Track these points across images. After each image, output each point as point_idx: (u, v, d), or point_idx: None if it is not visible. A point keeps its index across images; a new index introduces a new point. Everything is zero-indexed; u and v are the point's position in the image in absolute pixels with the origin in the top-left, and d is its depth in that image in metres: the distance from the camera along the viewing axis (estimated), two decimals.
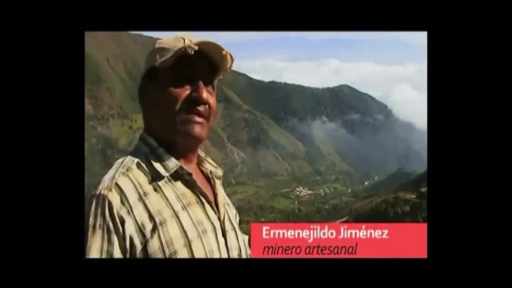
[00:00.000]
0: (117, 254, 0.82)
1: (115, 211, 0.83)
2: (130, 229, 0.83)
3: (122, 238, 0.83)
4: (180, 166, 0.93)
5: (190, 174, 0.94)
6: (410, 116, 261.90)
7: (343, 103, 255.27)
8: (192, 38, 0.95)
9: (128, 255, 0.84)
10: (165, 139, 0.95)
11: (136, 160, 0.92)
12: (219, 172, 1.07)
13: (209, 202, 0.97)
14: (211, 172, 1.05)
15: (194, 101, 0.93)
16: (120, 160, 0.93)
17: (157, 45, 0.97)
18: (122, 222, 0.83)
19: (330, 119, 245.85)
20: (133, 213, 0.85)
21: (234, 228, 1.03)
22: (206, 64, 0.96)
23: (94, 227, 0.82)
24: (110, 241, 0.82)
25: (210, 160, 1.08)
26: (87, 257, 0.81)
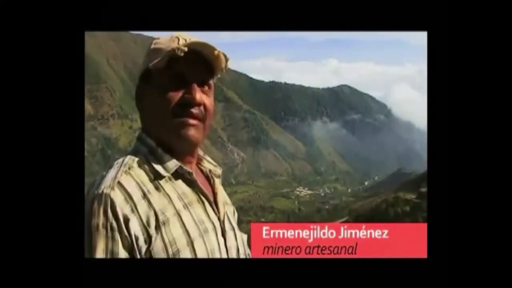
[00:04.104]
0: (122, 253, 0.82)
1: (118, 210, 0.82)
2: (135, 227, 0.83)
3: (126, 237, 0.82)
4: (180, 166, 0.93)
5: (190, 174, 0.94)
6: (410, 116, 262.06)
7: (343, 103, 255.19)
8: (187, 37, 0.94)
9: (134, 255, 0.83)
10: (163, 141, 0.94)
11: (136, 159, 0.91)
12: (218, 171, 1.06)
13: (209, 202, 0.97)
14: (210, 170, 1.05)
15: (187, 103, 0.92)
16: (120, 160, 0.92)
17: (152, 46, 0.96)
18: (126, 220, 0.82)
19: (331, 119, 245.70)
20: (137, 210, 0.84)
21: (233, 228, 1.03)
22: (201, 64, 0.94)
23: (97, 227, 0.81)
24: (114, 240, 0.81)
25: (209, 159, 1.07)
26: (93, 257, 0.80)
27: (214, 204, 0.98)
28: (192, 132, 0.93)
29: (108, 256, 0.81)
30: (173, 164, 0.92)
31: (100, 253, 0.80)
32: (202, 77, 0.95)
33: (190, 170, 0.94)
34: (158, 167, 0.91)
